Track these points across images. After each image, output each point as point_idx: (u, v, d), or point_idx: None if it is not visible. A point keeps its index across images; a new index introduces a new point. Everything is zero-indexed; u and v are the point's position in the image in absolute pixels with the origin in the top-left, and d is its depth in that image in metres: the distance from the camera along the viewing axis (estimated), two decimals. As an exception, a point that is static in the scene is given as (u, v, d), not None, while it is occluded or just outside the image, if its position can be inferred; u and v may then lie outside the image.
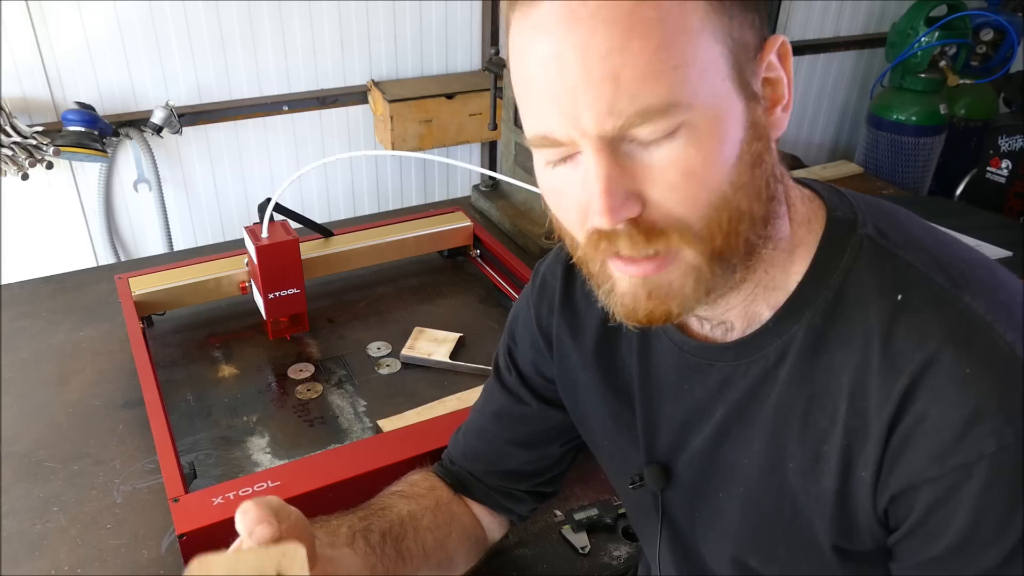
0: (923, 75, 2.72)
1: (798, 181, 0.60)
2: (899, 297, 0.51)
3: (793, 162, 2.54)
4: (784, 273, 0.56)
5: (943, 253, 0.53)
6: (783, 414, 0.56)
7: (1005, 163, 2.66)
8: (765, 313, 0.57)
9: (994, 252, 1.54)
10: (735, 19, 0.47)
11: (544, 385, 0.78)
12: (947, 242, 0.56)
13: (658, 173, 0.48)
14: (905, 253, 0.53)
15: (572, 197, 0.51)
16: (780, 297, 0.56)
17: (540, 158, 0.52)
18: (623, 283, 0.52)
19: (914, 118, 2.76)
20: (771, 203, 0.52)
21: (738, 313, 0.58)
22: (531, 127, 0.50)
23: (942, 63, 2.70)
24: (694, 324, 0.62)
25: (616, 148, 0.47)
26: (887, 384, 0.50)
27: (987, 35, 2.78)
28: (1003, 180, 2.67)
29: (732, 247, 0.50)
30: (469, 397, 1.10)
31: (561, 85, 0.46)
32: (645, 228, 0.49)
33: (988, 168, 2.71)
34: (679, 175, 0.47)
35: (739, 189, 0.49)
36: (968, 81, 2.76)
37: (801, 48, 3.05)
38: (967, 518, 0.48)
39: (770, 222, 0.53)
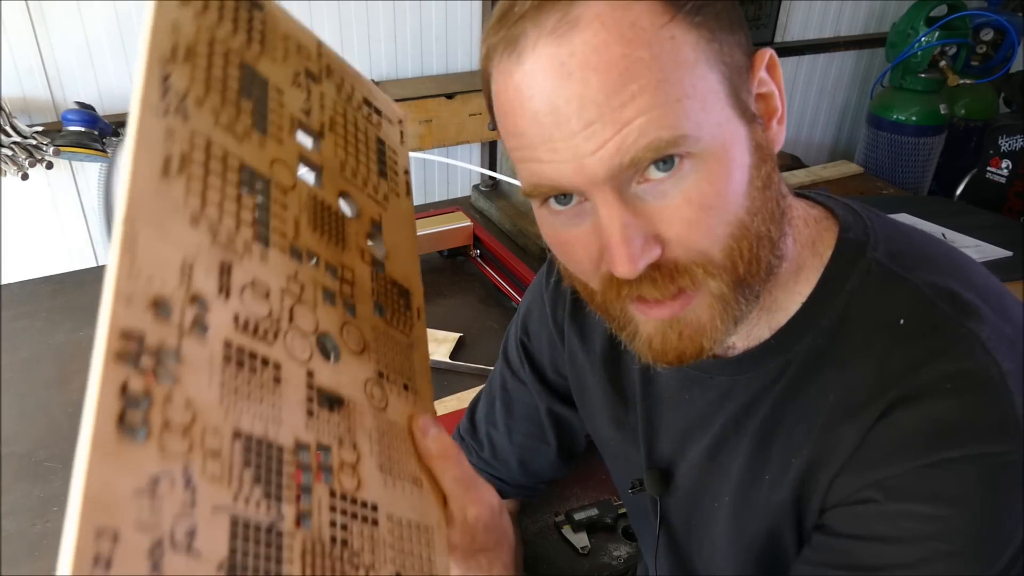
0: (923, 75, 2.72)
1: (808, 197, 0.60)
2: (901, 322, 0.50)
3: (793, 162, 2.54)
4: (787, 294, 0.55)
5: (956, 279, 0.52)
6: (771, 428, 0.56)
7: (1005, 163, 2.66)
8: (766, 334, 0.56)
9: (994, 252, 1.54)
10: (724, 43, 0.46)
11: (560, 382, 0.78)
12: (962, 266, 0.54)
13: (673, 211, 0.46)
14: (915, 277, 0.52)
15: (583, 247, 0.49)
16: (782, 319, 0.55)
17: (542, 209, 0.50)
18: (648, 326, 0.50)
19: (914, 118, 2.76)
20: (782, 221, 0.51)
21: (740, 336, 0.57)
22: (530, 179, 0.48)
23: (942, 63, 2.69)
24: None
25: (626, 192, 0.46)
26: (872, 401, 0.50)
27: (987, 35, 2.78)
28: (1003, 180, 2.67)
29: (754, 273, 0.49)
30: (469, 397, 1.10)
31: (561, 136, 0.44)
32: (668, 269, 0.47)
33: (988, 168, 2.71)
34: (695, 210, 0.46)
35: (755, 214, 0.48)
36: (968, 81, 2.75)
37: (801, 48, 3.05)
38: (902, 513, 0.48)
39: (781, 242, 0.52)
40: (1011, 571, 0.49)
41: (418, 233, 1.44)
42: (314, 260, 0.42)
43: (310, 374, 0.38)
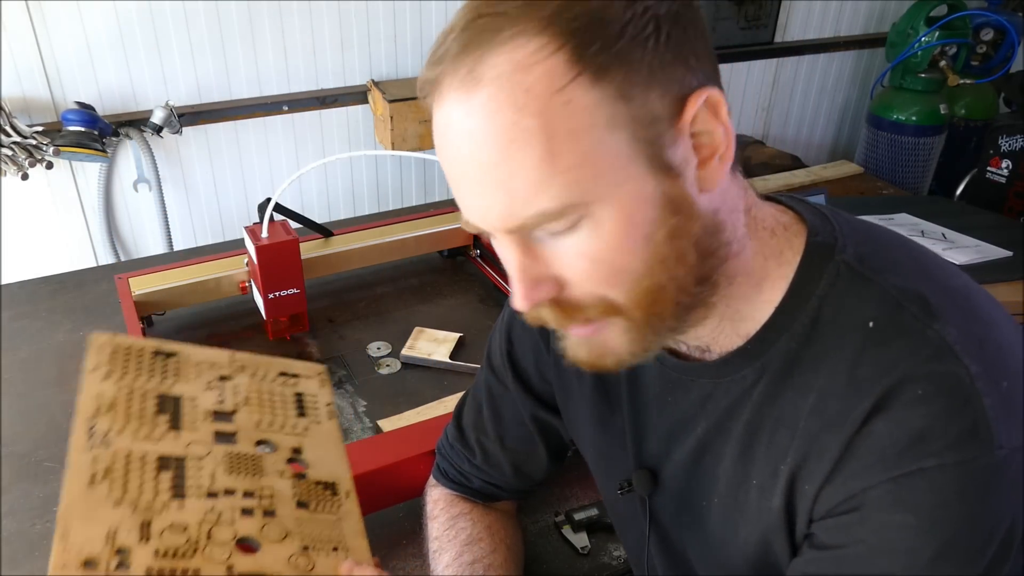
0: (923, 75, 2.72)
1: (779, 201, 0.60)
2: (871, 324, 0.51)
3: (793, 162, 2.54)
4: (750, 305, 0.55)
5: (923, 279, 0.53)
6: (753, 433, 0.56)
7: (1005, 163, 2.65)
8: (736, 340, 0.57)
9: (994, 252, 1.54)
10: (636, 99, 0.46)
11: (545, 388, 0.79)
12: (930, 267, 0.55)
13: (567, 260, 0.49)
14: (883, 279, 0.52)
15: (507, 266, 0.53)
16: (750, 326, 0.56)
17: None
18: (569, 339, 0.56)
19: (914, 118, 2.76)
20: (709, 259, 0.51)
21: (709, 340, 0.58)
22: (460, 210, 0.52)
23: (942, 63, 2.69)
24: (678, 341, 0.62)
25: (526, 237, 0.49)
26: (848, 407, 0.50)
27: (987, 35, 2.78)
28: (1003, 180, 2.67)
29: (659, 313, 0.51)
30: (469, 397, 1.10)
31: (464, 186, 0.49)
32: (566, 306, 0.51)
33: (988, 168, 2.71)
34: (587, 263, 0.49)
35: (654, 265, 0.49)
36: (968, 81, 2.75)
37: (801, 48, 3.05)
38: (883, 523, 0.49)
39: (712, 274, 0.52)
40: (1002, 567, 0.50)
41: (418, 233, 1.46)
42: (232, 494, 0.52)
43: (230, 567, 0.47)
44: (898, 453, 0.48)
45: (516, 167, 0.46)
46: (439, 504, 0.87)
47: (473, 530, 0.82)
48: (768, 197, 0.59)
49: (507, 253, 0.50)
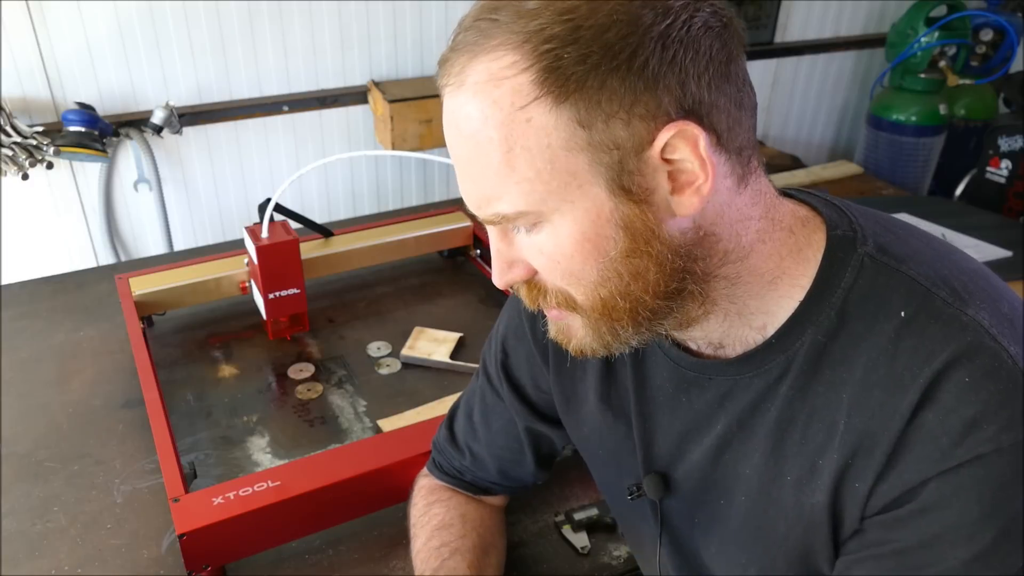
0: (923, 75, 2.72)
1: (793, 196, 0.59)
2: (903, 314, 0.51)
3: (793, 162, 2.54)
4: (762, 301, 0.56)
5: (944, 265, 0.53)
6: (784, 428, 0.56)
7: (1005, 163, 2.65)
8: (752, 335, 0.57)
9: (994, 252, 1.54)
10: (596, 125, 0.47)
11: (541, 397, 0.79)
12: (946, 253, 0.55)
13: (531, 253, 0.54)
14: (907, 268, 0.52)
15: None
16: (765, 320, 0.56)
17: None
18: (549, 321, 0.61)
19: (914, 118, 2.76)
20: (682, 274, 0.52)
21: (720, 336, 0.58)
22: None
23: (942, 63, 2.69)
24: (686, 339, 0.62)
25: (504, 226, 0.54)
26: (894, 400, 0.50)
27: (987, 35, 2.78)
28: (1003, 180, 2.67)
29: (616, 319, 0.54)
30: (469, 397, 1.10)
31: (456, 169, 0.54)
32: (536, 288, 0.56)
33: (988, 168, 2.70)
34: (546, 260, 0.53)
35: (610, 277, 0.52)
36: (968, 81, 2.75)
37: (801, 48, 3.05)
38: (945, 513, 0.48)
39: (686, 286, 0.53)
40: None
41: (418, 233, 1.46)
42: None
43: None
44: (953, 443, 0.47)
45: (479, 169, 0.50)
46: (420, 492, 0.89)
47: (446, 516, 0.83)
48: (782, 192, 0.59)
49: (489, 235, 0.56)
